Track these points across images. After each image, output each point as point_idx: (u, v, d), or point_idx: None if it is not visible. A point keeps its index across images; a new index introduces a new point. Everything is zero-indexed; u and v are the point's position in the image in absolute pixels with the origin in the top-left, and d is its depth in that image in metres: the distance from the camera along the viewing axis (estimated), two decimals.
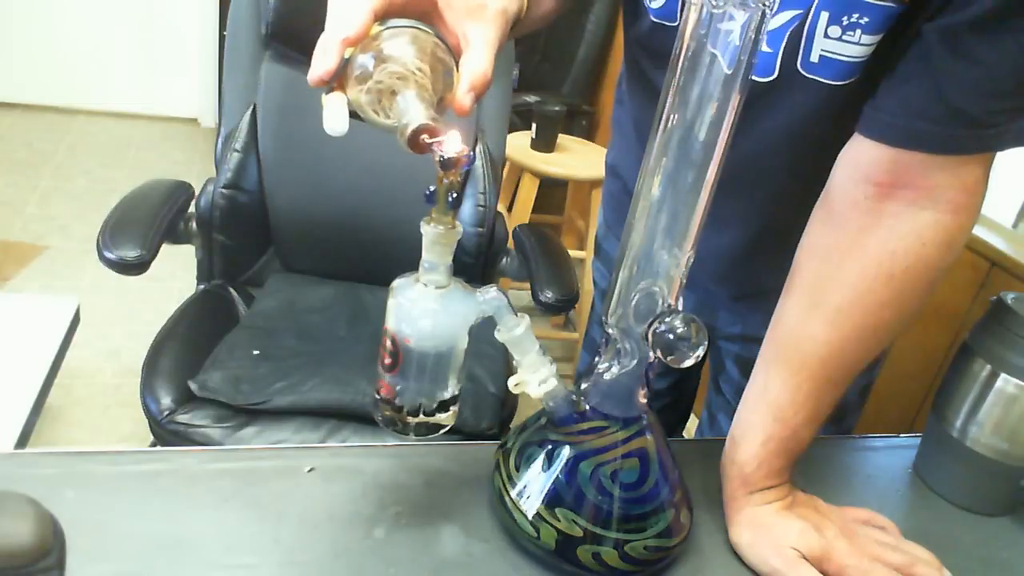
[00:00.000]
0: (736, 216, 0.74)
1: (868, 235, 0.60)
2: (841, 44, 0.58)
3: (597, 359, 0.57)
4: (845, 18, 0.56)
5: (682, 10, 0.64)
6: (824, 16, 0.57)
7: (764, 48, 0.61)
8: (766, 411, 0.63)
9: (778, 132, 0.66)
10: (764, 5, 0.45)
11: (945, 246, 0.59)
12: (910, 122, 0.56)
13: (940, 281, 0.61)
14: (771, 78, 0.62)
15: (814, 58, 0.60)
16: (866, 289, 0.60)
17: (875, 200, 0.59)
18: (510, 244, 1.59)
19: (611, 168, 0.92)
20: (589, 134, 2.72)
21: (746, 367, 0.66)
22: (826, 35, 0.58)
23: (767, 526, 0.62)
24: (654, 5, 0.67)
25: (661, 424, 0.59)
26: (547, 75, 2.77)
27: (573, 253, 1.76)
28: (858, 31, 0.56)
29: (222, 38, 1.68)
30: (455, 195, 0.48)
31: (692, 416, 1.19)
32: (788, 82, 0.62)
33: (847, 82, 0.60)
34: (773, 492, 0.63)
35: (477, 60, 0.49)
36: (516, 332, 0.53)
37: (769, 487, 0.63)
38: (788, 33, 0.60)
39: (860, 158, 0.60)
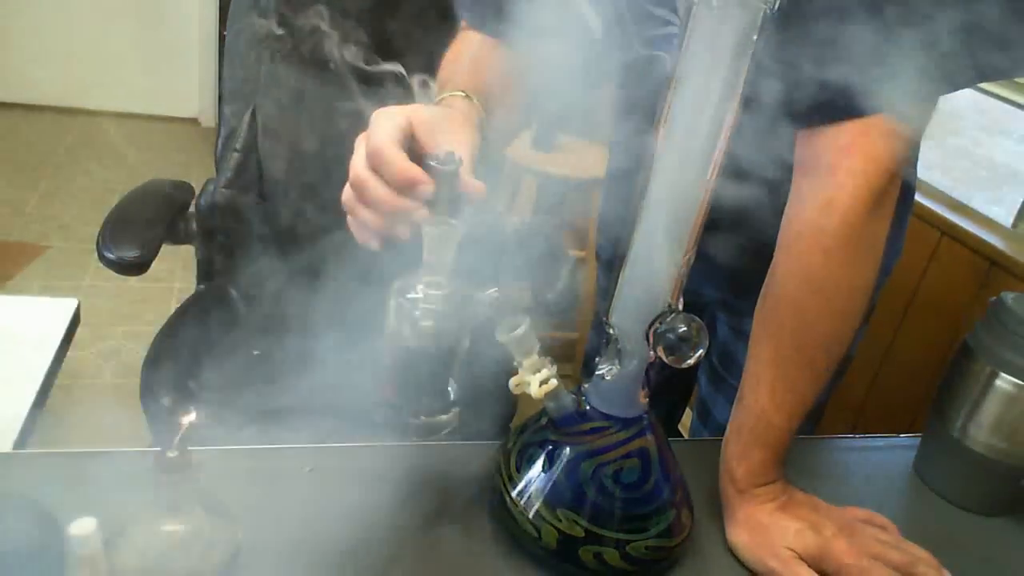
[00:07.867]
0: (737, 216, 0.74)
1: (786, 219, 0.63)
2: None
3: (598, 359, 0.57)
4: None
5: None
6: None
7: None
8: (738, 406, 0.65)
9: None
10: (764, 4, 0.45)
11: (825, 205, 0.60)
12: (793, 107, 0.58)
13: (869, 248, 0.61)
14: None
15: None
16: (796, 268, 0.62)
17: (793, 185, 0.62)
18: None
19: (613, 167, 0.92)
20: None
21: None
22: None
23: (763, 527, 0.62)
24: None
25: (662, 406, 0.59)
26: None
27: (573, 253, 1.76)
28: None
29: (222, 38, 1.68)
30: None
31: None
32: None
33: None
34: (765, 492, 0.63)
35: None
36: (517, 333, 0.53)
37: (759, 485, 0.63)
38: None
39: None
